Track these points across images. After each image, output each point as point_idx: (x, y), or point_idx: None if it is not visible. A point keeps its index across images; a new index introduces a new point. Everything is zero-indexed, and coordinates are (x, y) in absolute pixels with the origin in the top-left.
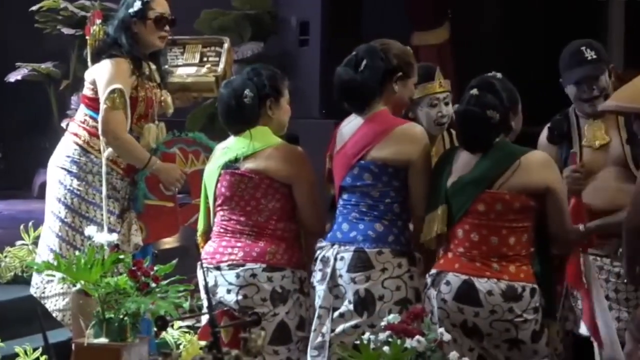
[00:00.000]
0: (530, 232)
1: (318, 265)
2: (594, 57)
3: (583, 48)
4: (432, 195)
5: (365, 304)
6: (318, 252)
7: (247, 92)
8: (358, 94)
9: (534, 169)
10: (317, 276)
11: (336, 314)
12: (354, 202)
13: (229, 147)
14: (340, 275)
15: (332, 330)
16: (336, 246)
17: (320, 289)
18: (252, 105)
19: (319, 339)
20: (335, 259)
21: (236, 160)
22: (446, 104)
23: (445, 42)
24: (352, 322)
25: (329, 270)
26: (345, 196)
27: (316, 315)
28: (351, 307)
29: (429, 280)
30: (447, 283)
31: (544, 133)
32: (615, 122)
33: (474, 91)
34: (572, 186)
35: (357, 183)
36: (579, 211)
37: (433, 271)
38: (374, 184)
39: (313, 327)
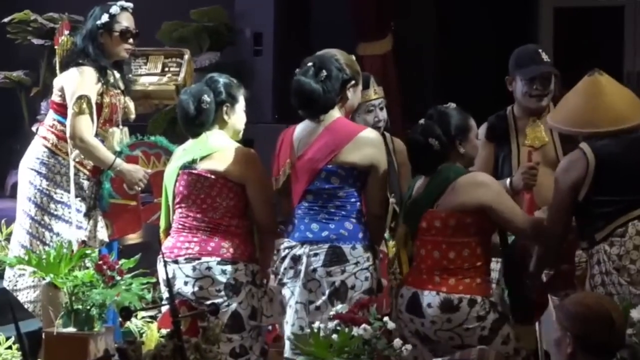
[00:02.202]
0: (475, 247)
1: (288, 263)
2: (548, 60)
3: (540, 50)
4: (400, 217)
5: (338, 294)
6: (287, 251)
7: (204, 97)
8: (320, 102)
9: (464, 190)
10: (288, 274)
11: (312, 307)
12: (321, 203)
13: (187, 149)
14: (315, 270)
15: (311, 323)
16: (307, 245)
17: (294, 286)
18: (210, 110)
19: (299, 332)
20: (309, 256)
21: (193, 161)
22: (381, 109)
23: (388, 52)
24: (328, 314)
25: (301, 267)
26: (310, 198)
27: (293, 310)
28: (326, 298)
29: (394, 292)
30: (402, 295)
31: (481, 131)
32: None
33: (421, 120)
34: (528, 182)
35: (325, 186)
36: (531, 207)
37: (397, 285)
38: (341, 186)
39: (291, 322)
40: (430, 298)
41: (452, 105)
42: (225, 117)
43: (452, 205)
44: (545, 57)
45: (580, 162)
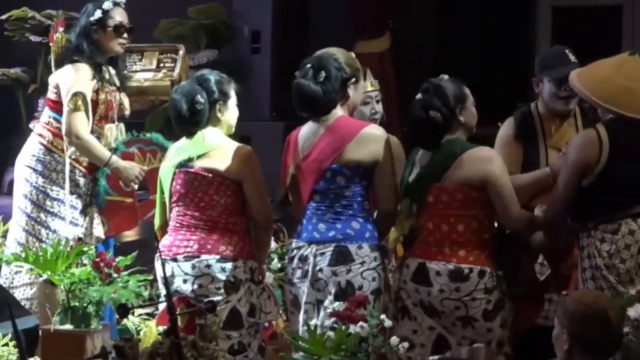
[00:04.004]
0: (482, 220)
1: (296, 263)
2: (576, 61)
3: (567, 51)
4: (400, 192)
5: (345, 294)
6: (295, 251)
7: (198, 97)
8: (322, 104)
9: (472, 163)
10: (296, 274)
11: (321, 306)
12: (327, 203)
13: (182, 147)
14: (321, 270)
15: (321, 324)
16: (314, 245)
17: (303, 286)
18: (204, 110)
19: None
20: (315, 256)
21: (190, 159)
22: (377, 101)
23: (385, 50)
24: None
25: (308, 267)
26: (317, 199)
27: (302, 310)
28: (332, 298)
29: (396, 264)
30: (407, 266)
31: (506, 128)
32: (575, 126)
33: (419, 95)
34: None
35: (330, 186)
36: None
37: (400, 257)
38: (347, 185)
39: (302, 322)
40: (439, 267)
41: (445, 76)
42: (219, 114)
43: (459, 179)
44: (572, 58)
45: (594, 145)
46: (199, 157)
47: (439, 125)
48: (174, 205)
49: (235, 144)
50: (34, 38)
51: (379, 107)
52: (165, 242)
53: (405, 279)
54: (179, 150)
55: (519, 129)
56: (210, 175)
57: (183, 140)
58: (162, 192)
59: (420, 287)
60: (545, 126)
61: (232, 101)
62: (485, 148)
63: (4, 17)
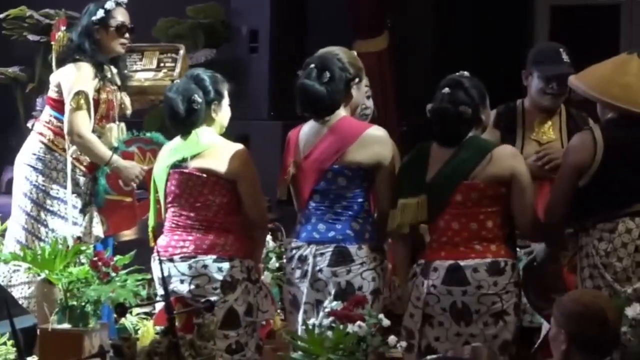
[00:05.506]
0: (505, 216)
1: (295, 263)
2: (568, 60)
3: (561, 50)
4: (407, 187)
5: (345, 294)
6: (294, 251)
7: (195, 97)
8: (326, 104)
9: (503, 160)
10: (296, 274)
11: (321, 307)
12: (328, 204)
13: (176, 148)
14: (320, 270)
15: (320, 324)
16: (313, 245)
17: (302, 286)
18: (201, 109)
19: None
20: (315, 256)
21: (184, 160)
22: (367, 97)
23: (384, 49)
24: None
25: (308, 268)
26: (317, 198)
27: (302, 310)
28: (332, 298)
29: (417, 269)
30: (435, 270)
31: (490, 119)
32: (559, 125)
33: (446, 90)
34: (549, 166)
35: (331, 186)
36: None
37: (421, 261)
38: (348, 186)
39: (301, 322)
40: (475, 264)
41: (466, 73)
42: (214, 114)
43: (490, 176)
44: (565, 57)
45: (589, 146)
46: (192, 157)
47: (468, 120)
48: (169, 205)
49: (229, 144)
50: (32, 37)
51: (370, 103)
52: (161, 242)
53: (435, 284)
54: (172, 150)
55: (498, 117)
56: (204, 175)
57: (177, 140)
58: (155, 192)
59: (454, 289)
60: (528, 119)
61: (226, 101)
62: (509, 146)
63: (2, 16)
